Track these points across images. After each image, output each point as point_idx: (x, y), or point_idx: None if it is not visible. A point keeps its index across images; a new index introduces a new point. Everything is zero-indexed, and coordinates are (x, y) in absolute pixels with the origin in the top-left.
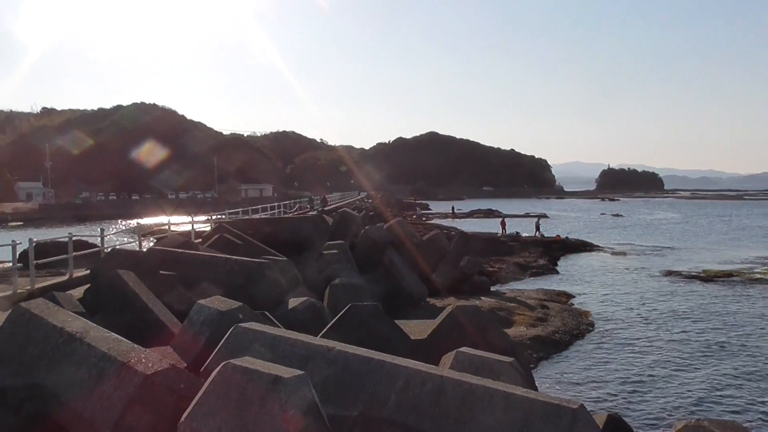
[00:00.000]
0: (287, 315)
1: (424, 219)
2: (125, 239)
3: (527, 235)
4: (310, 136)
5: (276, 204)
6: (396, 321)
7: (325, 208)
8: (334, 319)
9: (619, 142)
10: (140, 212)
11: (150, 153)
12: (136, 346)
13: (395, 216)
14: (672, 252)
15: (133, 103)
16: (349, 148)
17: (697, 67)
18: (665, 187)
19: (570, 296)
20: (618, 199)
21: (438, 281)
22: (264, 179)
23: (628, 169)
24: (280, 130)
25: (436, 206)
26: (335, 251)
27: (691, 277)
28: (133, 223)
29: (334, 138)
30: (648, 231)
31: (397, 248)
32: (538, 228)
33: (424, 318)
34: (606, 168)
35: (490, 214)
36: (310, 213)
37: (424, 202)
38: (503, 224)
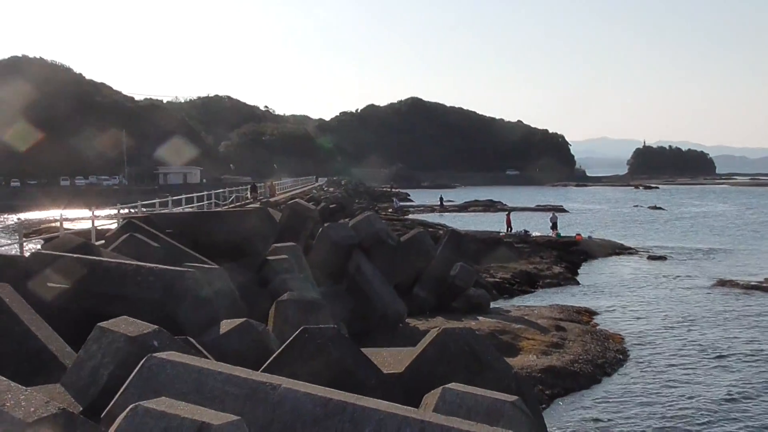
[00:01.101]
0: (219, 342)
1: (403, 213)
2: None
3: (539, 234)
4: (250, 102)
5: (205, 193)
6: (364, 349)
7: (272, 199)
8: (282, 347)
9: (658, 113)
10: (22, 204)
11: (25, 130)
12: (12, 384)
13: (365, 209)
14: (727, 256)
15: (8, 58)
16: (304, 119)
17: (759, 15)
18: (717, 171)
19: (593, 314)
20: (657, 187)
21: (421, 296)
22: (189, 159)
23: (670, 147)
24: (211, 94)
25: (420, 196)
26: (284, 257)
27: (750, 287)
28: (13, 218)
29: (283, 105)
30: (695, 228)
31: (367, 252)
32: (554, 225)
33: (401, 345)
34: (641, 146)
35: (490, 206)
36: (252, 205)
37: (403, 191)
38: (508, 220)
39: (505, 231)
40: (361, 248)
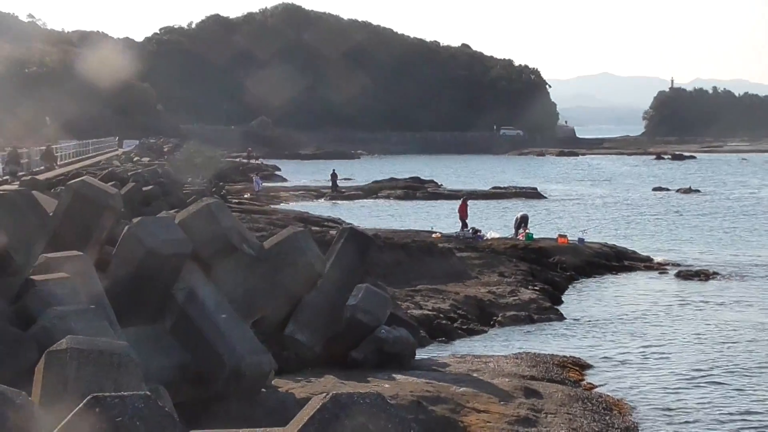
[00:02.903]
0: None
1: (269, 200)
2: None
3: (496, 236)
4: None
5: None
6: None
7: (44, 176)
8: (59, 427)
9: (694, 36)
10: None
11: None
12: None
13: (203, 194)
14: None
15: None
16: (99, 38)
17: None
18: None
19: (585, 368)
20: (692, 156)
21: (299, 340)
22: None
23: (716, 90)
24: None
25: (298, 172)
26: (62, 275)
27: None
28: None
29: (60, 16)
30: (755, 227)
31: (208, 267)
32: (521, 223)
33: (264, 422)
34: (666, 89)
35: (416, 189)
36: (5, 187)
37: (269, 162)
38: (463, 212)
39: (458, 231)
40: (197, 260)
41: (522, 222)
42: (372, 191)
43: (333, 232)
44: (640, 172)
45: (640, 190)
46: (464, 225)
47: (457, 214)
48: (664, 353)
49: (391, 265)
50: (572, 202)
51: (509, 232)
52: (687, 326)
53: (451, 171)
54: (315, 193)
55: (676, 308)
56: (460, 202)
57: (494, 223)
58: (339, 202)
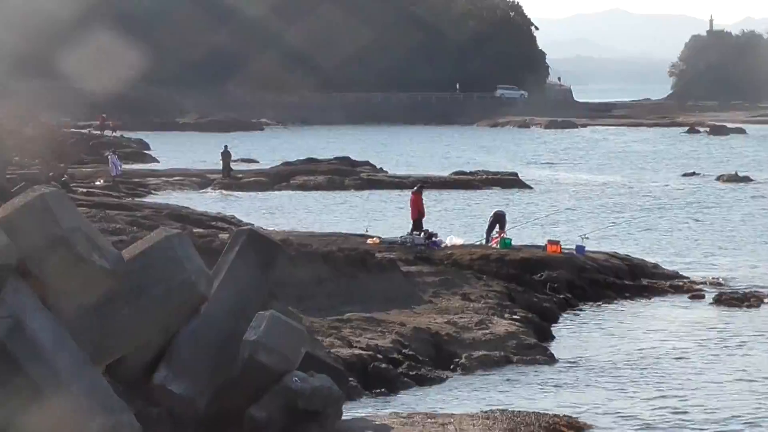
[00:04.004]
0: None
1: (133, 189)
2: None
3: (459, 242)
4: None
5: None
6: None
7: None
8: None
9: None
10: None
11: None
12: None
13: (30, 181)
14: None
15: None
16: None
17: None
18: None
19: (584, 429)
20: (740, 129)
21: (176, 392)
22: None
23: None
24: None
25: (176, 149)
26: None
27: None
28: None
29: None
30: None
31: (42, 285)
32: (495, 225)
33: None
34: (703, 33)
35: (345, 175)
36: None
37: (133, 136)
38: (417, 207)
39: (405, 235)
40: (25, 276)
41: (496, 222)
42: (281, 177)
43: (224, 236)
44: (664, 152)
45: (665, 176)
46: (417, 226)
47: (409, 210)
48: (691, 412)
49: (309, 284)
50: (568, 193)
51: (478, 237)
52: (727, 374)
53: (395, 148)
54: (199, 180)
55: (713, 348)
56: (410, 193)
57: (457, 224)
58: (233, 193)
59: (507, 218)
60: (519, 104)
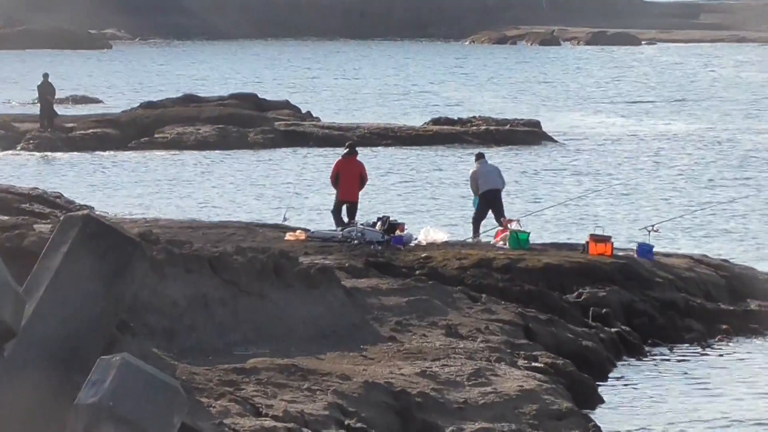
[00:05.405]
0: None
1: None
2: None
3: (441, 238)
4: None
5: None
6: None
7: None
8: None
9: None
10: None
11: None
12: None
13: None
14: None
15: None
16: None
17: None
18: None
19: None
20: None
21: None
22: None
23: None
24: None
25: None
26: None
27: None
28: None
29: None
30: None
31: None
32: (488, 207)
33: None
34: None
35: (247, 125)
36: None
37: None
38: (350, 180)
39: (342, 227)
40: None
41: (488, 206)
42: (139, 129)
43: (44, 227)
44: None
45: None
46: (351, 214)
47: (331, 184)
48: None
49: (187, 309)
50: (620, 155)
51: (466, 231)
52: None
53: (331, 80)
54: (1, 133)
55: None
56: (339, 157)
57: (436, 208)
58: (58, 154)
59: (505, 197)
60: (541, 7)
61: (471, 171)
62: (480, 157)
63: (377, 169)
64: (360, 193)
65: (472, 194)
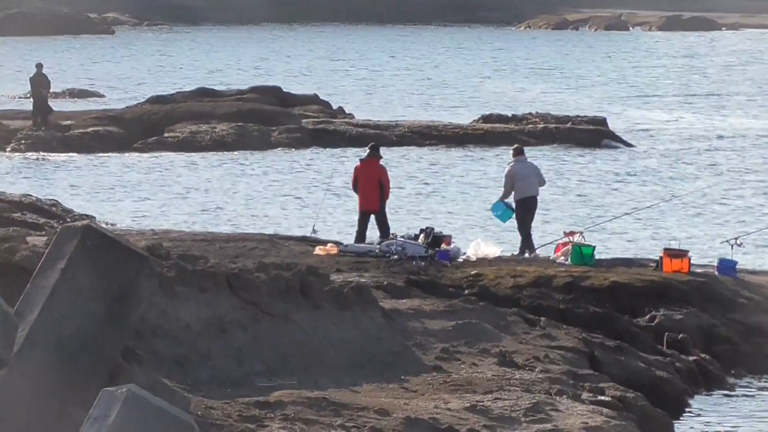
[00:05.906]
0: None
1: None
2: None
3: (494, 252)
4: None
5: None
6: None
7: None
8: None
9: None
10: None
11: None
12: None
13: None
14: None
15: None
16: None
17: None
18: None
19: None
20: None
21: None
22: None
23: None
24: None
25: None
26: None
27: None
28: None
29: None
30: None
31: None
32: (528, 215)
33: None
34: None
35: (269, 122)
36: None
37: None
38: (369, 187)
39: (379, 239)
40: None
41: (528, 214)
42: (146, 127)
43: (38, 239)
44: None
45: None
46: (380, 227)
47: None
48: None
49: (202, 333)
50: (692, 153)
51: (513, 242)
52: None
53: (366, 71)
54: None
55: None
56: (358, 161)
57: (488, 218)
58: (53, 155)
59: (565, 206)
60: None
61: (507, 168)
62: (519, 152)
63: (419, 173)
64: (385, 202)
65: (499, 196)
